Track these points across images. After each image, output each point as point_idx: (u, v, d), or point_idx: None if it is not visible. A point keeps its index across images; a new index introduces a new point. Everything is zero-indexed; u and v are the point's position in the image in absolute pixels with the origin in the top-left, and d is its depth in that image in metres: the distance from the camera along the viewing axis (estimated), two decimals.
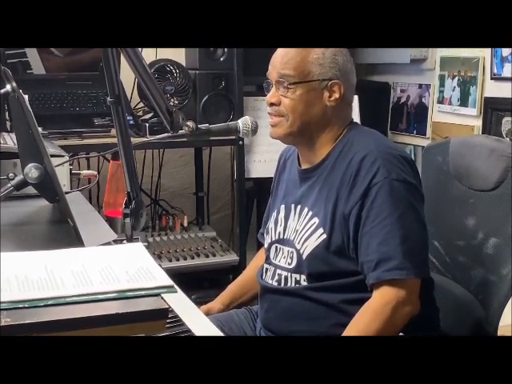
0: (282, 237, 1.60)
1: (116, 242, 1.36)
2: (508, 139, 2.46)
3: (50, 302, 0.90)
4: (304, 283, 1.51)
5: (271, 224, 1.65)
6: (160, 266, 1.12)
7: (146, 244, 1.21)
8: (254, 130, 1.54)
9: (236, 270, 2.72)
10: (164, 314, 0.91)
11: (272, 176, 1.77)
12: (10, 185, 1.32)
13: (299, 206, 1.56)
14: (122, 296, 0.93)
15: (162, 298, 0.96)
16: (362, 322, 1.40)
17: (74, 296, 0.92)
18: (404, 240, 1.40)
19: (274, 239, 1.62)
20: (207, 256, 2.72)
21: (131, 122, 2.59)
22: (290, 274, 1.54)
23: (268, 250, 1.64)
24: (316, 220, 1.50)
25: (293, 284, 1.53)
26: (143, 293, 0.95)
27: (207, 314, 1.68)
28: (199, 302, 2.30)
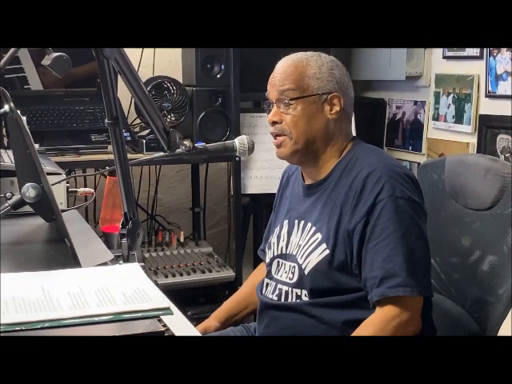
0: (284, 252, 1.60)
1: (112, 260, 1.36)
2: (503, 157, 2.48)
3: (46, 325, 0.90)
4: (305, 298, 1.51)
5: (274, 239, 1.65)
6: (156, 282, 1.12)
7: (142, 264, 1.21)
8: (251, 149, 1.55)
9: (232, 285, 2.71)
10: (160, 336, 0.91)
11: (269, 192, 1.79)
12: (7, 204, 1.32)
13: (302, 222, 1.56)
14: (118, 318, 0.93)
15: (159, 317, 0.96)
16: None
17: (70, 318, 0.92)
18: (408, 257, 1.40)
19: (276, 254, 1.63)
20: (203, 272, 2.72)
21: (128, 138, 2.60)
22: (290, 288, 1.54)
23: (269, 264, 1.64)
24: (319, 235, 1.50)
25: (293, 299, 1.53)
26: (139, 315, 0.95)
27: (205, 333, 1.68)
28: (195, 319, 2.30)
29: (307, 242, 1.52)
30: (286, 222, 1.62)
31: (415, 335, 1.43)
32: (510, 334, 1.45)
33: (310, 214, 1.55)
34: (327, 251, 1.47)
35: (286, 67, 1.53)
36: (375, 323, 1.41)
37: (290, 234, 1.59)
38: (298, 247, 1.54)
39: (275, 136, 1.56)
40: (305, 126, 1.51)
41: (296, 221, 1.59)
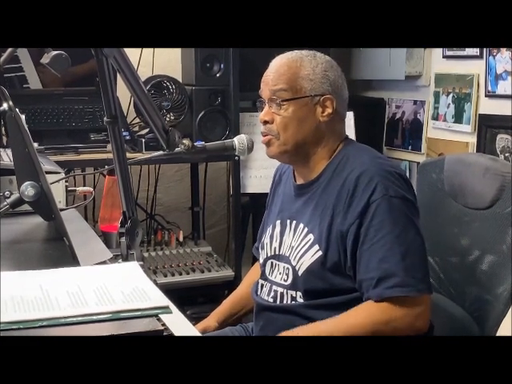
0: (277, 252, 1.59)
1: (111, 259, 1.36)
2: (502, 156, 2.48)
3: (44, 323, 0.90)
4: (300, 300, 1.51)
5: (267, 239, 1.65)
6: (155, 281, 1.12)
7: (141, 263, 1.21)
8: (250, 149, 1.55)
9: (231, 285, 2.71)
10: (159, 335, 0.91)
11: (268, 191, 1.78)
12: (6, 203, 1.32)
13: (294, 222, 1.56)
14: (117, 317, 0.93)
15: (158, 316, 0.96)
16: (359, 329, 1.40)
17: (68, 317, 0.92)
18: (405, 256, 1.39)
19: (269, 255, 1.62)
20: (202, 271, 2.72)
21: (127, 137, 2.60)
22: (285, 290, 1.54)
23: (263, 265, 1.64)
24: (311, 236, 1.50)
25: (289, 301, 1.53)
26: (138, 314, 0.95)
27: (204, 332, 1.68)
28: (194, 318, 2.29)
29: (300, 243, 1.52)
30: (278, 221, 1.62)
31: (416, 335, 1.42)
32: (509, 334, 1.44)
33: (302, 214, 1.54)
34: (320, 252, 1.47)
35: (279, 66, 1.53)
36: (374, 324, 1.40)
37: (282, 234, 1.59)
38: (291, 248, 1.54)
39: (263, 135, 1.55)
40: (294, 129, 1.51)
41: (288, 221, 1.58)
